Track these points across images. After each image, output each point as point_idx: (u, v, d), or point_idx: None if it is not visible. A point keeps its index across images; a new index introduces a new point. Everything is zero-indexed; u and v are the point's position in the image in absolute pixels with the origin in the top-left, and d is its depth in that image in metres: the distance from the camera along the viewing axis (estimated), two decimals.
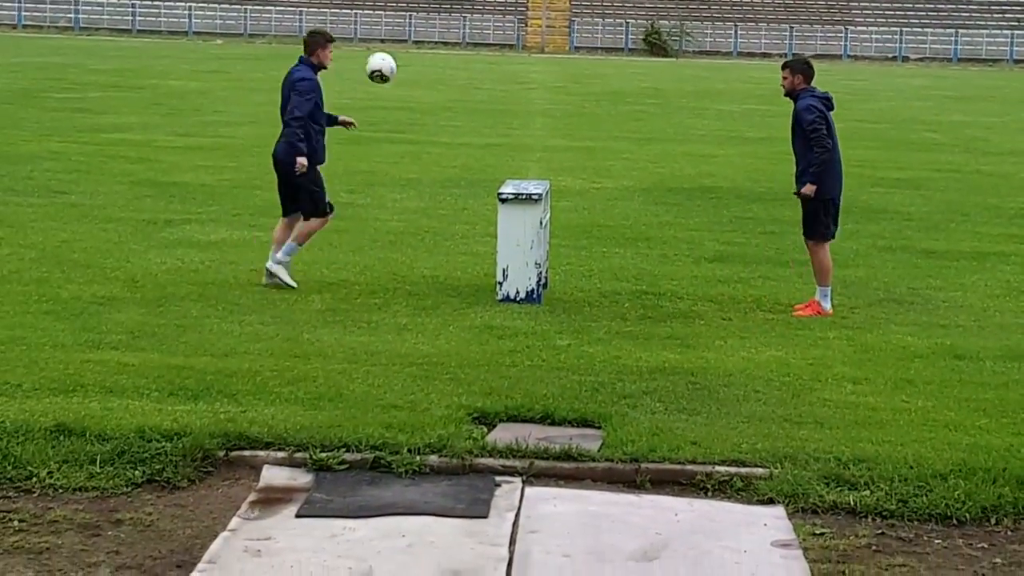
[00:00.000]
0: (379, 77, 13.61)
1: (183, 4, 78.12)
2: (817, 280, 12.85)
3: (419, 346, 10.91)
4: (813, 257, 12.86)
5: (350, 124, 13.56)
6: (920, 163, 26.23)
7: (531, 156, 25.50)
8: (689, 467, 8.24)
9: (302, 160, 12.85)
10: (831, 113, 12.69)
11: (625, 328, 11.85)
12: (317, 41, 13.20)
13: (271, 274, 12.93)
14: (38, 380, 9.47)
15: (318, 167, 13.12)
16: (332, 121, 13.38)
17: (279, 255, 12.96)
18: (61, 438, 8.24)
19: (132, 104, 33.40)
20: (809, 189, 12.58)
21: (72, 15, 76.63)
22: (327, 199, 13.23)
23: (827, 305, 12.72)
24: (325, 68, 13.22)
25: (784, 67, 12.85)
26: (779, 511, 7.74)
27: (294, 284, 12.88)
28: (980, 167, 25.87)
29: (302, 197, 13.10)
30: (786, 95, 12.82)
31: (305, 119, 12.89)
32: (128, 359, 10.13)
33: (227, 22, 77.61)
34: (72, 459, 8.00)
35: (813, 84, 12.79)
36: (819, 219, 12.78)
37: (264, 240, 15.54)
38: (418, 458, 8.21)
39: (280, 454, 8.26)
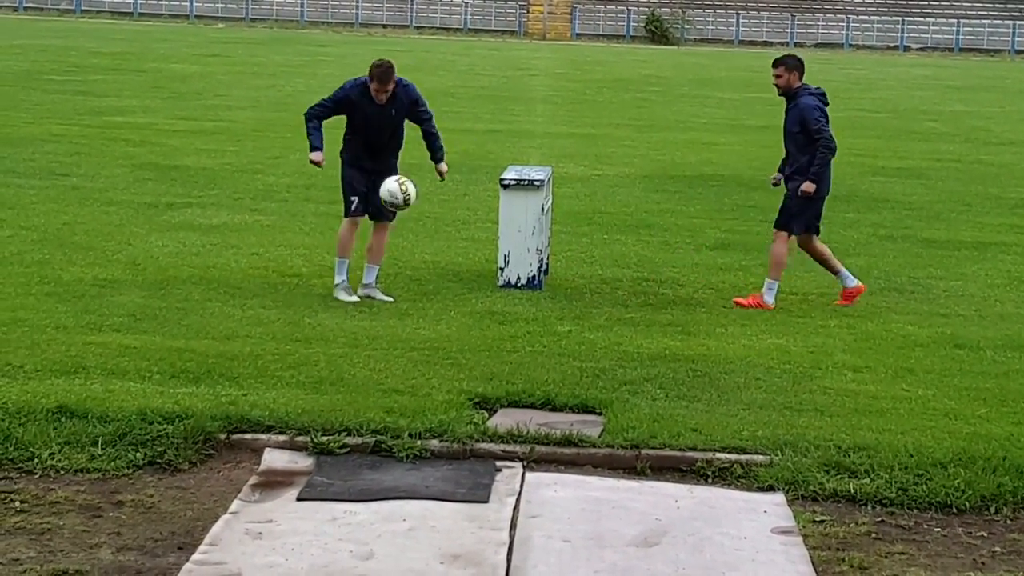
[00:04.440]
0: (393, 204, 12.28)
1: None
2: (770, 273, 12.60)
3: (420, 331, 10.92)
4: (775, 249, 12.58)
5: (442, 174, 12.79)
6: (921, 153, 26.23)
7: (532, 142, 25.49)
8: (689, 454, 8.26)
9: (312, 156, 12.28)
10: (827, 108, 12.53)
11: (626, 315, 11.86)
12: (373, 74, 12.08)
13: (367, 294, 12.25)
14: (40, 362, 9.48)
15: (357, 169, 12.32)
16: (437, 156, 12.78)
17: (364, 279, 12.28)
18: (63, 420, 8.25)
19: (133, 87, 33.37)
20: (809, 187, 12.30)
21: None
22: (359, 204, 12.32)
23: (770, 299, 12.49)
24: (380, 102, 12.13)
25: (777, 64, 12.50)
26: (779, 498, 7.76)
27: (355, 299, 12.07)
28: (981, 157, 25.87)
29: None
30: (781, 94, 12.54)
31: (317, 111, 12.22)
32: (130, 341, 10.14)
33: (228, 6, 77.45)
34: (74, 441, 8.01)
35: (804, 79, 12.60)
36: (803, 215, 12.50)
37: (265, 224, 15.58)
38: (419, 442, 8.22)
39: (281, 437, 8.27)
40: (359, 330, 10.84)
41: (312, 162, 12.40)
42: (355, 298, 12.04)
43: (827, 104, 12.52)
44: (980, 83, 50.65)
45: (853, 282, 12.73)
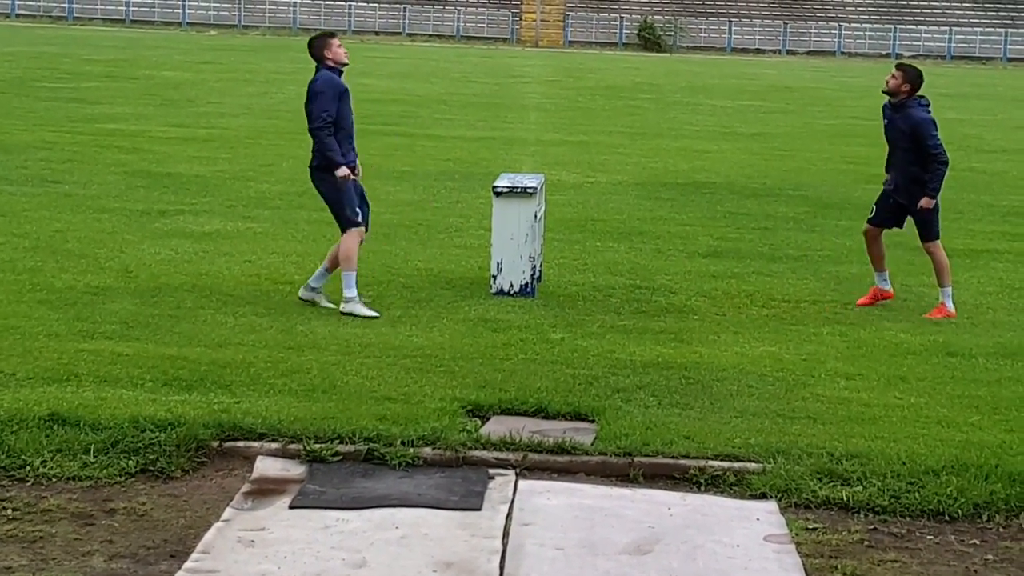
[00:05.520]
0: None
1: None
2: (941, 281, 12.96)
3: (413, 338, 10.91)
4: (936, 258, 12.97)
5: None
6: None
7: (525, 150, 25.50)
8: (682, 461, 8.25)
9: (341, 172, 11.72)
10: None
11: (619, 322, 11.87)
12: (321, 44, 11.97)
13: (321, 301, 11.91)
14: (32, 369, 9.47)
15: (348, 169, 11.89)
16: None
17: (344, 292, 11.78)
18: (55, 427, 8.24)
19: (126, 94, 33.34)
20: (928, 203, 12.74)
21: (66, 4, 76.42)
22: (355, 208, 11.97)
23: (951, 305, 12.88)
24: (346, 64, 11.96)
25: (899, 67, 12.91)
26: (772, 506, 7.76)
27: (376, 314, 11.66)
28: (973, 165, 25.88)
29: (330, 207, 12.06)
30: (885, 92, 12.89)
31: (329, 122, 11.69)
32: (122, 349, 10.13)
33: (220, 13, 77.46)
34: (66, 448, 8.00)
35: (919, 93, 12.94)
36: (937, 219, 13.01)
37: (258, 231, 15.56)
38: (412, 450, 8.22)
39: (274, 445, 8.26)
40: (351, 337, 10.84)
41: (342, 177, 11.73)
42: (377, 313, 11.70)
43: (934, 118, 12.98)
44: (972, 91, 50.74)
45: (888, 285, 13.16)
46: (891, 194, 13.05)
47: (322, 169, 11.91)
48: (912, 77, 12.79)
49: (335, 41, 12.10)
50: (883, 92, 12.94)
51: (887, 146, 13.23)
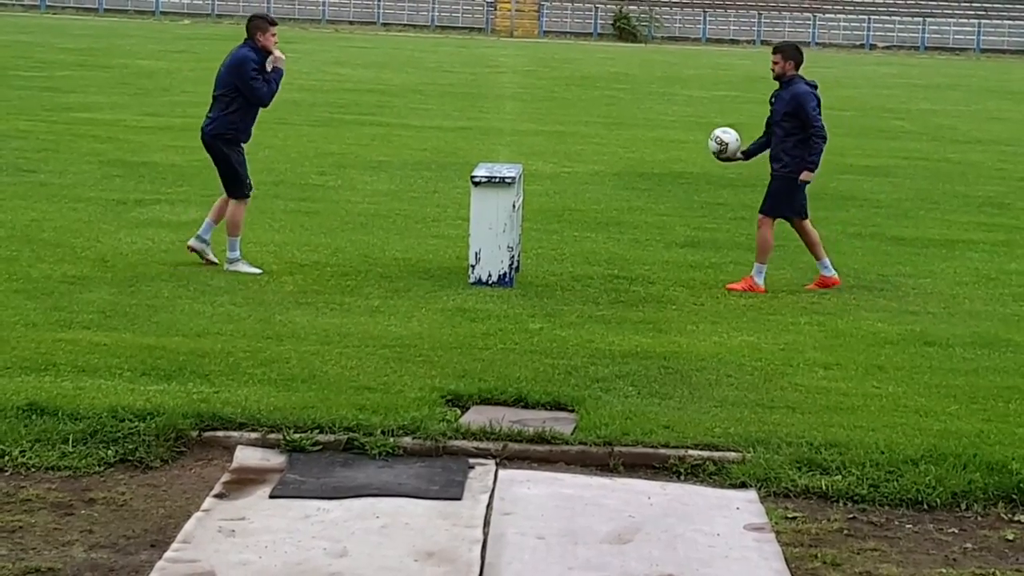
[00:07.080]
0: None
1: None
2: (758, 257, 13.16)
3: (392, 328, 10.91)
4: (760, 234, 13.16)
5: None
6: (888, 151, 26.32)
7: (501, 140, 25.47)
8: (662, 451, 8.28)
9: (279, 58, 13.11)
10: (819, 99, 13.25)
11: (597, 312, 11.88)
12: (258, 25, 13.13)
13: (229, 262, 12.96)
14: (9, 359, 9.43)
15: (243, 145, 13.28)
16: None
17: (228, 254, 12.93)
18: (33, 417, 8.22)
19: (100, 83, 33.18)
20: (808, 176, 13.03)
21: None
22: (248, 181, 13.24)
23: (760, 281, 13.04)
24: (270, 53, 13.11)
25: (776, 51, 13.25)
26: (751, 495, 7.78)
27: (258, 271, 12.85)
28: (948, 155, 25.98)
29: (227, 176, 13.13)
30: (776, 78, 13.26)
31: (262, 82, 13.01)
32: (100, 339, 10.09)
33: (194, 2, 77.10)
34: (44, 438, 7.97)
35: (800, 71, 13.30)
36: (791, 200, 13.16)
37: None
38: (392, 440, 8.22)
39: (253, 435, 8.26)
40: (330, 327, 10.83)
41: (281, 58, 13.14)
42: (259, 270, 12.86)
43: (819, 96, 13.23)
44: (946, 81, 50.87)
45: (831, 272, 13.29)
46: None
47: (223, 139, 13.13)
48: (791, 54, 13.23)
49: (273, 30, 13.11)
50: (774, 79, 13.31)
51: (771, 133, 13.44)
